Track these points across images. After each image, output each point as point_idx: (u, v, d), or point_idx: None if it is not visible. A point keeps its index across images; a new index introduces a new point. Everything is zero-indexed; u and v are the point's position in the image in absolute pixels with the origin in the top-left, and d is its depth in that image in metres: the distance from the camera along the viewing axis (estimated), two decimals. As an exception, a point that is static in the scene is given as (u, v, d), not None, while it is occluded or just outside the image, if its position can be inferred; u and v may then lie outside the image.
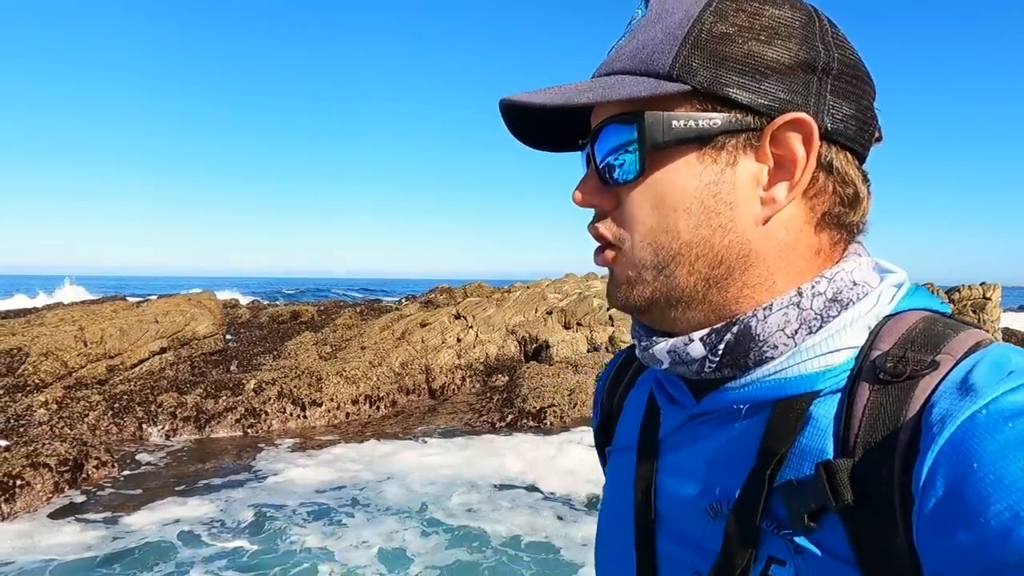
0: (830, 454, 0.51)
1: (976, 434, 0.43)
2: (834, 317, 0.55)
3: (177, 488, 7.08)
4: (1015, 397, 0.44)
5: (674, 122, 0.54)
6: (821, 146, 0.55)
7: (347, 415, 10.33)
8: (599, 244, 0.62)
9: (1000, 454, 0.41)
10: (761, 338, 0.56)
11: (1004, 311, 18.52)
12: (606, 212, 0.60)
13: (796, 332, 0.55)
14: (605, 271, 0.64)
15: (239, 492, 6.88)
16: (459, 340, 13.20)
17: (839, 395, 0.54)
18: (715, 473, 0.59)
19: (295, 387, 10.21)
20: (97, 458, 7.56)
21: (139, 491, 6.98)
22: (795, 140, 0.55)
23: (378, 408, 10.73)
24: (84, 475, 7.27)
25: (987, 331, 0.54)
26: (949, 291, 17.31)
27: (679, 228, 0.56)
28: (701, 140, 0.55)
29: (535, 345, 13.75)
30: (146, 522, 6.02)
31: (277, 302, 27.12)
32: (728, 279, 0.57)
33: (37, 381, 10.02)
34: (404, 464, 7.66)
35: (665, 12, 0.57)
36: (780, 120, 0.54)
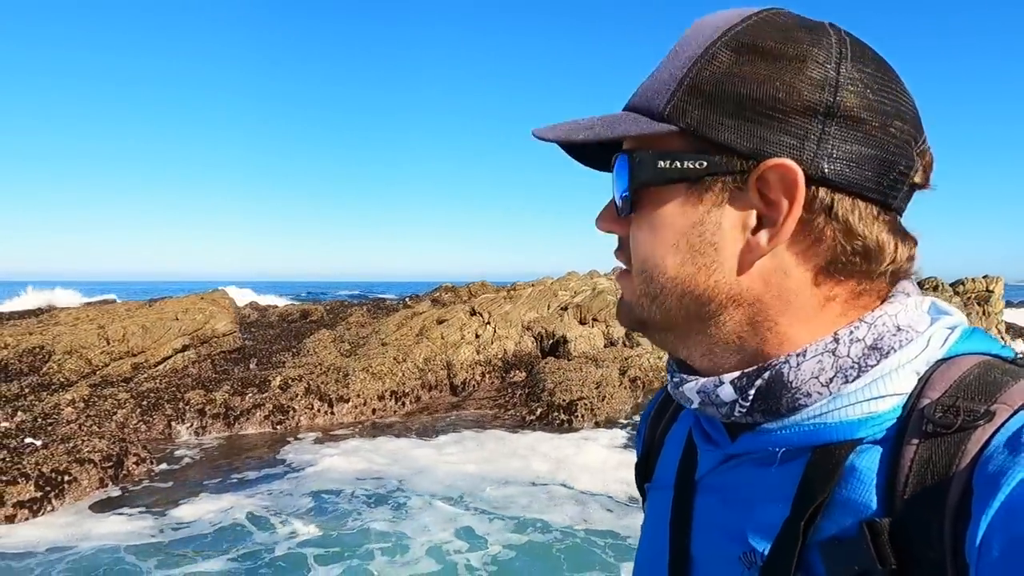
0: (874, 510, 0.48)
1: None
2: (872, 367, 0.52)
3: (216, 480, 7.07)
4: None
5: (660, 162, 0.55)
6: (817, 192, 0.52)
7: (373, 411, 10.34)
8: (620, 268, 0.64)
9: None
10: (794, 385, 0.53)
11: (1007, 306, 18.81)
12: (622, 239, 0.63)
13: (831, 380, 0.52)
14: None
15: (280, 484, 6.88)
16: (477, 336, 13.23)
17: (884, 446, 0.51)
18: (749, 519, 0.57)
19: (322, 383, 10.20)
20: (136, 454, 7.52)
21: (180, 484, 6.98)
22: (778, 186, 0.52)
23: (403, 404, 10.74)
24: (125, 471, 7.24)
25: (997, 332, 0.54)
26: (953, 284, 17.58)
27: (667, 264, 0.57)
28: (687, 180, 0.55)
29: (552, 341, 13.81)
30: (191, 513, 6.02)
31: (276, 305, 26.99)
32: (721, 315, 0.56)
33: (62, 380, 9.94)
34: (443, 459, 7.69)
35: (679, 52, 0.57)
36: (763, 166, 0.52)
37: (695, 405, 0.59)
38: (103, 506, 6.36)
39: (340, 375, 10.39)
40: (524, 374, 12.72)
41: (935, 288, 17.39)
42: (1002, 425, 0.45)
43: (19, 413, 9.07)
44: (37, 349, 10.53)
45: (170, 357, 10.95)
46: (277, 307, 20.74)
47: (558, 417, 9.60)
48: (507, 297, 15.32)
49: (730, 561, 0.57)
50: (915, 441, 0.48)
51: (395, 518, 5.85)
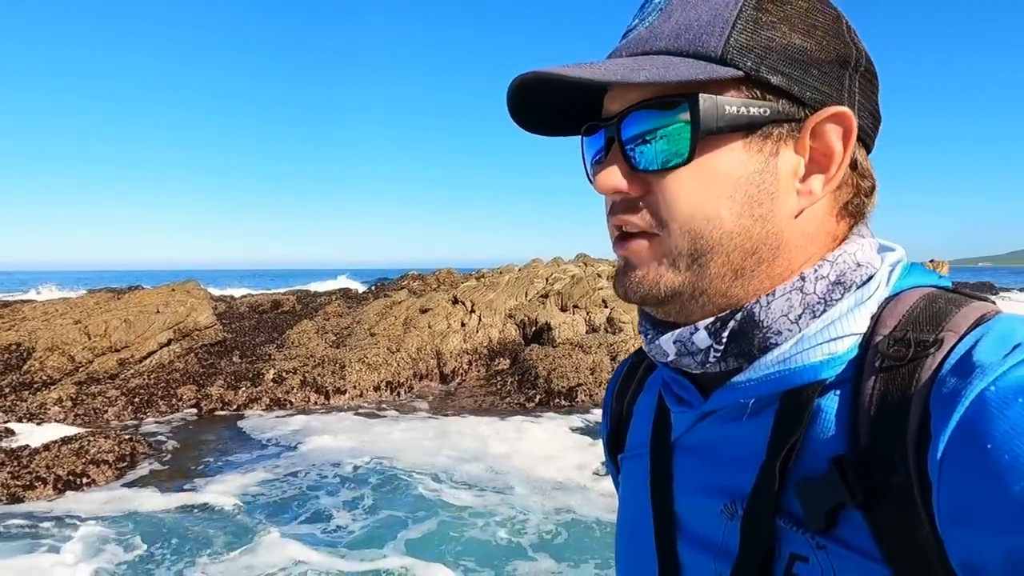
0: (842, 447, 0.50)
1: (986, 413, 0.42)
2: (838, 300, 0.55)
3: (225, 462, 6.97)
4: (1023, 371, 0.43)
5: (727, 107, 0.52)
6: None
7: (369, 402, 10.32)
8: (622, 233, 0.59)
9: (1012, 433, 0.40)
10: (764, 324, 0.55)
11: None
12: (632, 199, 0.57)
13: (800, 317, 0.54)
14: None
15: (285, 462, 6.84)
16: (463, 325, 13.30)
17: (845, 384, 0.52)
18: (727, 472, 0.58)
19: (318, 375, 10.11)
20: (144, 452, 7.33)
21: (192, 467, 6.83)
22: (834, 134, 0.55)
23: (399, 394, 10.75)
24: (135, 467, 7.06)
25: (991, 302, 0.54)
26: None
27: (722, 216, 0.54)
28: (750, 128, 0.53)
29: (535, 328, 13.99)
30: (209, 493, 5.92)
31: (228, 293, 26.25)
32: (755, 271, 0.56)
33: (45, 378, 9.52)
34: (484, 446, 7.78)
35: None
36: (824, 113, 0.54)
37: (671, 357, 0.59)
38: (123, 501, 6.20)
39: (336, 367, 10.31)
40: (509, 362, 12.87)
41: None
42: (951, 350, 0.48)
43: (0, 413, 8.67)
44: (14, 346, 10.04)
45: (155, 351, 10.62)
46: (243, 297, 20.20)
47: (559, 403, 9.81)
48: (488, 285, 15.41)
49: (713, 515, 0.58)
50: (873, 376, 0.50)
51: (424, 506, 5.94)
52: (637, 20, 0.59)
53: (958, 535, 0.42)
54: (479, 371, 12.67)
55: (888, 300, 0.56)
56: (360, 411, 9.46)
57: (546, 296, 15.31)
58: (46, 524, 5.45)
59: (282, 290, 23.52)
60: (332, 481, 6.57)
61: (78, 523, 5.47)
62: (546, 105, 0.61)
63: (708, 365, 0.57)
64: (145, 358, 10.47)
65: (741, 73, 0.52)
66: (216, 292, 22.88)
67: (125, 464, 6.88)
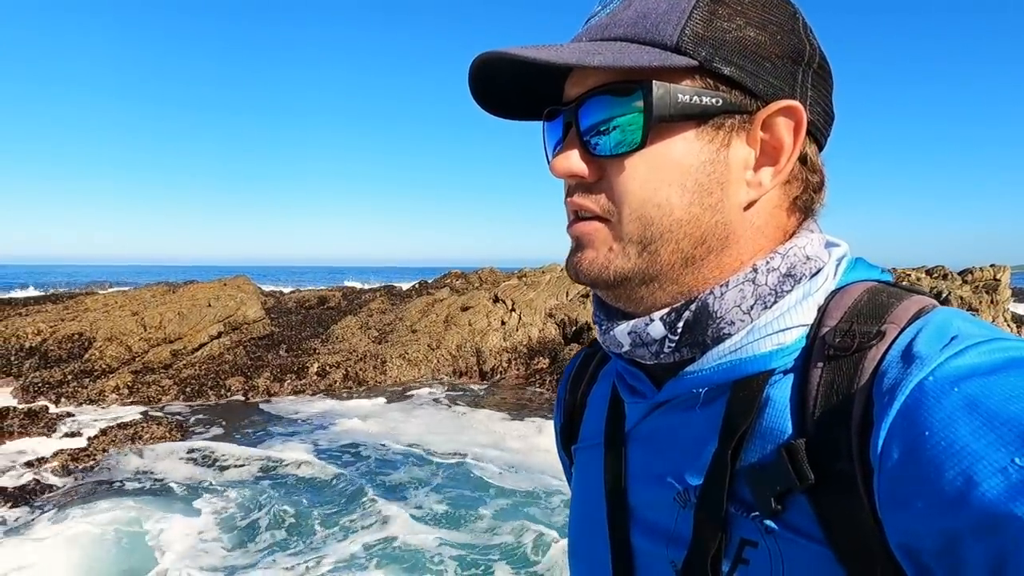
0: (790, 434, 0.52)
1: (924, 402, 0.44)
2: (788, 292, 0.56)
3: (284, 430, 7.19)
4: (959, 362, 0.45)
5: (680, 96, 0.53)
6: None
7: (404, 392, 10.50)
8: (576, 216, 0.59)
9: (949, 420, 0.42)
10: (718, 315, 0.56)
11: (1016, 289, 19.14)
12: (588, 183, 0.57)
13: (752, 308, 0.55)
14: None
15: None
16: (503, 323, 13.38)
17: (794, 374, 0.54)
18: (680, 461, 0.59)
19: (360, 369, 10.34)
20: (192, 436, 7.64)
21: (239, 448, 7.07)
22: (784, 127, 0.55)
23: (437, 390, 10.90)
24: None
25: (932, 297, 0.55)
26: (961, 273, 17.87)
27: (672, 204, 0.55)
28: (702, 117, 0.54)
29: (575, 328, 13.99)
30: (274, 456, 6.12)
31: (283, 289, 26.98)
32: (705, 260, 0.57)
33: (104, 366, 10.02)
34: (515, 439, 7.84)
35: None
36: (775, 106, 0.55)
37: (625, 348, 0.60)
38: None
39: (378, 361, 10.53)
40: (548, 361, 12.90)
41: (944, 276, 17.70)
42: (893, 342, 0.50)
43: (63, 400, 9.16)
44: (76, 336, 10.59)
45: (206, 343, 11.03)
46: (291, 292, 20.76)
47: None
48: (528, 284, 15.47)
49: (666, 503, 0.59)
50: (819, 365, 0.52)
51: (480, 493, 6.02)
52: (599, 7, 0.59)
53: (896, 518, 0.44)
54: (519, 369, 12.74)
55: (834, 293, 0.57)
56: (397, 399, 9.63)
57: (587, 296, 15.27)
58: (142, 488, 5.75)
59: (329, 286, 24.04)
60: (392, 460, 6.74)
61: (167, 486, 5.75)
62: (510, 88, 0.61)
63: (662, 356, 0.58)
64: (196, 349, 10.90)
65: (695, 62, 0.53)
66: (267, 288, 23.58)
67: (173, 437, 7.17)
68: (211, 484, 6.27)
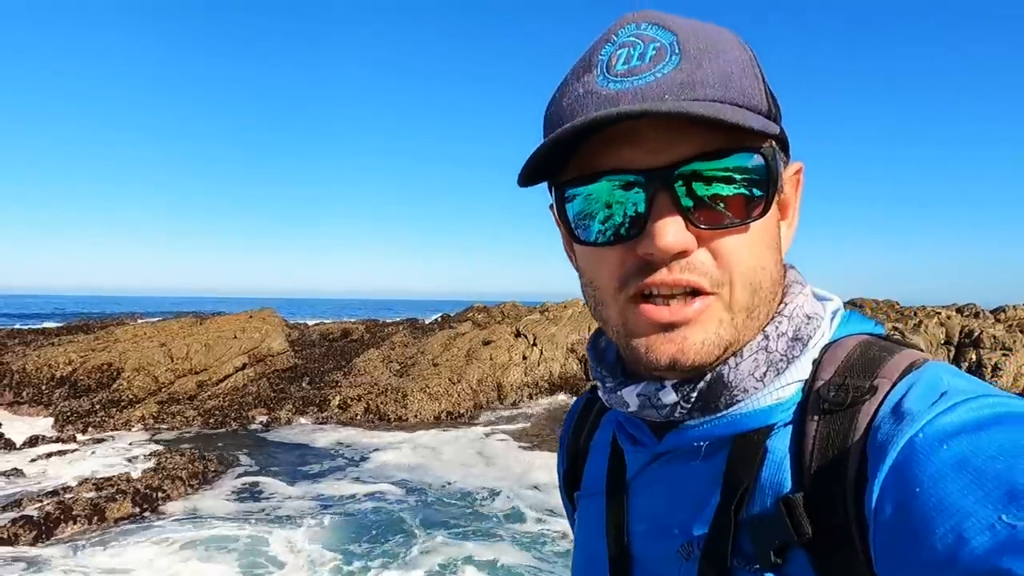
0: (788, 487, 0.52)
1: (915, 458, 0.45)
2: (797, 356, 0.56)
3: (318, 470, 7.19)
4: (948, 418, 0.46)
5: (781, 163, 0.56)
6: None
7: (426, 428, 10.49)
8: (678, 293, 0.54)
9: (939, 477, 0.43)
10: (733, 384, 0.56)
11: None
12: (684, 255, 0.53)
13: (765, 375, 0.56)
14: None
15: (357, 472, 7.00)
16: (525, 358, 13.37)
17: (791, 428, 0.55)
18: (683, 513, 0.59)
19: (381, 403, 10.37)
20: (214, 470, 7.69)
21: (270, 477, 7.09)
22: (790, 185, 0.59)
23: (457, 425, 10.88)
24: (206, 482, 7.41)
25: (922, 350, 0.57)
26: (994, 311, 17.46)
27: (770, 266, 0.56)
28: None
29: (596, 363, 13.91)
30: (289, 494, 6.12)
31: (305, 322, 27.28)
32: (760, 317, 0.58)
33: (131, 396, 10.19)
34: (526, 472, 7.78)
35: (714, 44, 0.53)
36: (794, 167, 0.59)
37: (632, 409, 0.60)
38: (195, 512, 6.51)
39: (399, 395, 10.55)
40: (570, 396, 12.82)
41: (975, 315, 17.30)
42: (885, 397, 0.51)
43: (91, 429, 9.32)
44: (105, 366, 10.81)
45: (231, 375, 11.18)
46: (315, 325, 20.99)
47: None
48: (550, 318, 15.46)
49: (669, 556, 0.59)
50: (816, 419, 0.53)
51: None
52: (639, 61, 0.53)
53: (892, 573, 0.45)
54: (539, 404, 12.68)
55: (828, 346, 0.58)
56: (422, 431, 9.63)
57: (609, 331, 15.21)
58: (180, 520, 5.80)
59: (352, 320, 24.26)
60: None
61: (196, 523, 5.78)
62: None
63: (672, 417, 0.58)
64: (221, 381, 11.04)
65: (778, 128, 0.55)
66: (292, 320, 23.88)
67: (198, 481, 7.23)
68: (260, 520, 6.28)
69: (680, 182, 0.52)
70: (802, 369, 0.57)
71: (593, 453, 0.76)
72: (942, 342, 15.38)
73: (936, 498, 0.42)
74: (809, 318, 0.59)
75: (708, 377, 0.56)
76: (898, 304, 18.63)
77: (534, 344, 13.83)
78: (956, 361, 15.00)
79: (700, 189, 0.52)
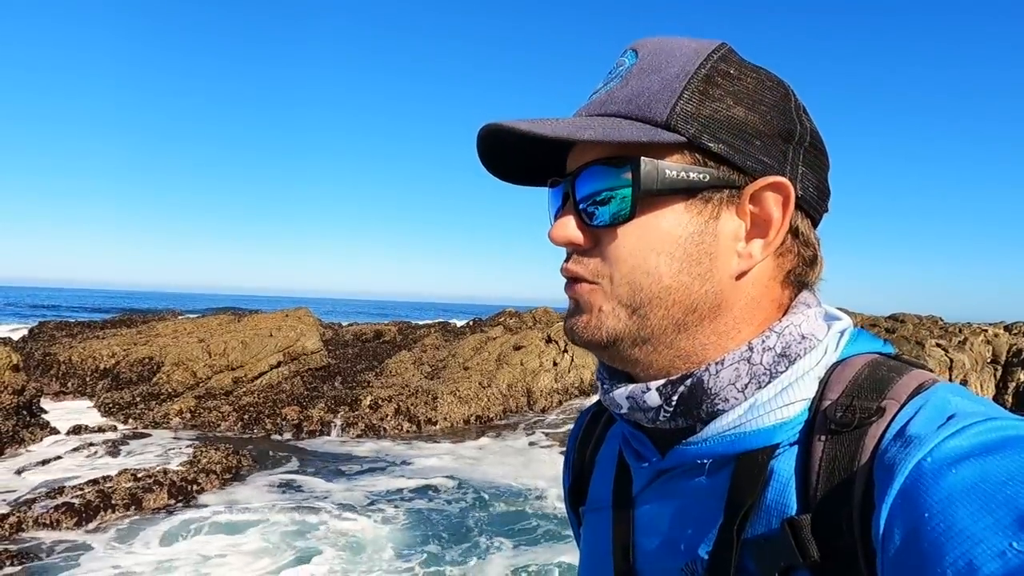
0: (793, 508, 0.52)
1: (923, 483, 0.44)
2: (782, 372, 0.57)
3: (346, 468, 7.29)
4: (956, 442, 0.45)
5: (668, 171, 0.56)
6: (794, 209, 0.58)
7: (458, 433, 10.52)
8: (571, 278, 0.62)
9: (948, 502, 0.42)
10: (713, 391, 0.57)
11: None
12: (582, 250, 0.61)
13: (747, 387, 0.57)
14: None
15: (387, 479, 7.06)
16: (555, 364, 13.34)
17: (797, 448, 0.55)
18: (686, 531, 0.59)
19: (412, 405, 10.45)
20: (248, 465, 7.84)
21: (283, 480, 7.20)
22: (773, 202, 0.58)
23: (486, 428, 10.89)
24: (239, 478, 7.56)
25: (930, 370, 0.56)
26: (1008, 327, 16.82)
27: (661, 272, 0.57)
28: (690, 191, 0.57)
29: (628, 371, 13.81)
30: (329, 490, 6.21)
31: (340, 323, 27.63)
32: (698, 326, 0.59)
33: (170, 390, 10.46)
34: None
35: (660, 63, 0.59)
36: (763, 181, 0.57)
37: (623, 411, 0.62)
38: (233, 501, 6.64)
39: (429, 397, 10.62)
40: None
41: (997, 335, 16.66)
42: (892, 419, 0.50)
43: (131, 420, 9.59)
44: (146, 360, 11.12)
45: (266, 372, 11.38)
46: (349, 325, 21.27)
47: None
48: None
49: (673, 573, 0.60)
50: (822, 440, 0.53)
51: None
52: (601, 84, 0.63)
53: None
54: (570, 411, 12.63)
55: (835, 365, 0.58)
56: (453, 436, 9.66)
57: (641, 340, 15.09)
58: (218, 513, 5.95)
59: (385, 321, 24.53)
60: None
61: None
62: (519, 156, 0.65)
63: (659, 422, 0.60)
64: (256, 378, 11.25)
65: (683, 139, 0.56)
66: (326, 320, 24.24)
67: (230, 476, 7.38)
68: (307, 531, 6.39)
69: (577, 185, 0.60)
70: (806, 387, 0.56)
71: (599, 467, 0.77)
72: (988, 361, 14.84)
73: (945, 524, 0.42)
74: (804, 338, 0.59)
75: (688, 382, 0.58)
76: (942, 320, 18.04)
77: (565, 351, 13.78)
78: (1003, 381, 14.46)
79: (584, 192, 0.59)
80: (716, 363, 0.58)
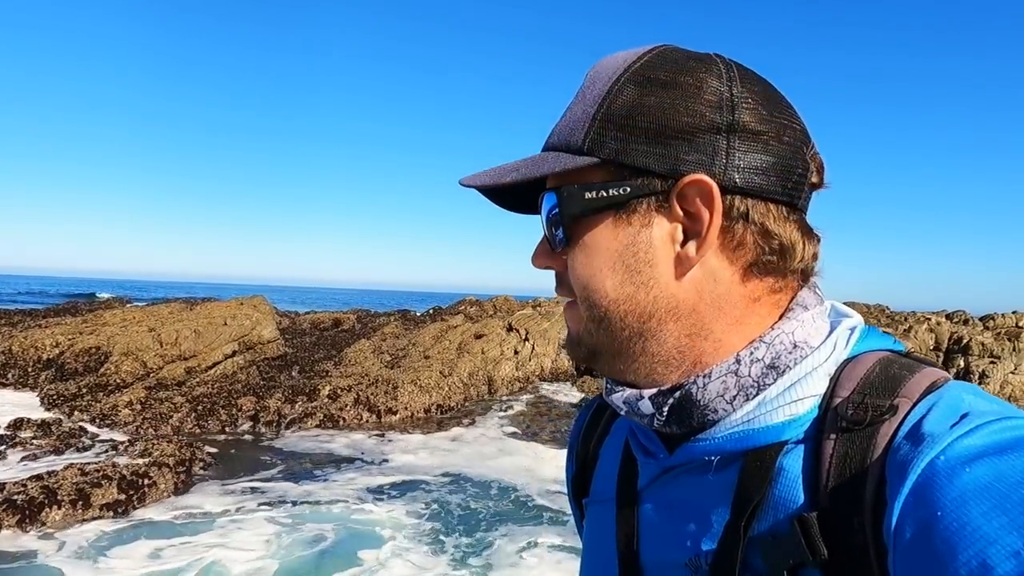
0: (802, 505, 0.52)
1: (936, 482, 0.44)
2: (769, 385, 0.56)
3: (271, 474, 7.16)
4: (969, 441, 0.45)
5: (587, 193, 0.58)
6: (733, 200, 0.57)
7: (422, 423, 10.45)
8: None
9: (961, 501, 0.42)
10: (701, 403, 0.57)
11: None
12: (559, 273, 0.65)
13: (735, 399, 0.57)
14: None
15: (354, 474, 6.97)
16: (516, 352, 13.36)
17: (806, 445, 0.55)
18: (692, 526, 0.60)
19: (371, 394, 10.32)
20: (202, 459, 7.63)
21: (240, 479, 7.04)
22: (698, 200, 0.57)
23: (448, 417, 10.85)
24: (194, 473, 7.35)
25: (942, 369, 0.57)
26: (983, 319, 17.60)
27: (606, 287, 0.59)
28: (614, 207, 0.58)
29: (588, 360, 13.92)
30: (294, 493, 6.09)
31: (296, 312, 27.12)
32: (661, 331, 0.59)
33: (118, 381, 10.09)
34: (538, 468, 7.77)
35: (588, 89, 0.61)
36: (681, 183, 0.56)
37: (622, 412, 0.63)
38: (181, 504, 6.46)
39: (389, 387, 10.51)
40: (562, 384, 12.80)
41: (965, 321, 17.43)
42: (905, 417, 0.50)
43: (76, 412, 9.22)
44: (93, 349, 10.70)
45: (220, 362, 11.09)
46: (306, 314, 20.89)
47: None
48: (543, 314, 15.45)
49: (677, 568, 0.60)
50: (832, 437, 0.53)
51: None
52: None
53: None
54: (530, 399, 12.67)
55: (846, 362, 0.58)
56: (409, 429, 9.59)
57: (601, 328, 15.23)
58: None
59: (344, 310, 24.17)
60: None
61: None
62: (510, 192, 0.68)
63: (655, 426, 0.61)
64: (210, 368, 10.95)
65: (597, 159, 0.58)
66: (282, 308, 23.74)
67: (184, 469, 7.17)
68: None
69: (541, 214, 0.64)
70: (816, 383, 0.56)
71: (603, 459, 0.77)
72: (931, 348, 15.49)
73: (958, 523, 0.42)
74: (796, 346, 0.58)
75: (677, 394, 0.58)
76: (888, 309, 18.72)
77: (526, 339, 13.82)
78: (945, 366, 15.08)
79: (543, 220, 0.64)
80: (704, 375, 0.58)
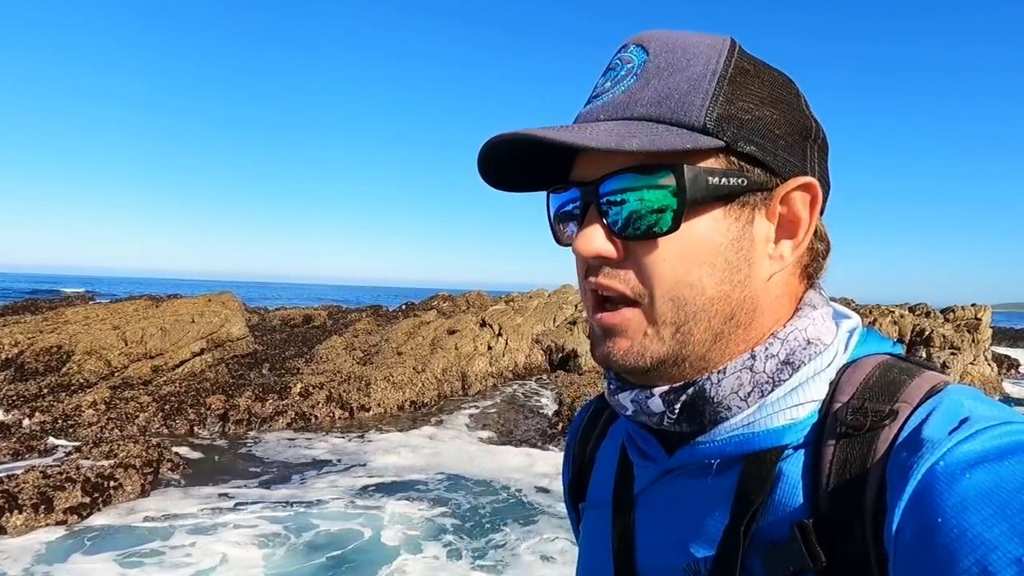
0: (802, 511, 0.52)
1: (936, 487, 0.44)
2: (785, 380, 0.56)
3: (264, 477, 7.05)
4: (969, 446, 0.45)
5: (710, 178, 0.54)
6: None
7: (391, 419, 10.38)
8: (602, 298, 0.58)
9: (961, 507, 0.42)
10: (715, 400, 0.56)
11: (995, 328, 19.38)
12: (613, 262, 0.57)
13: (749, 395, 0.56)
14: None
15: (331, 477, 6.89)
16: (490, 348, 13.34)
17: (806, 449, 0.54)
18: (691, 531, 0.59)
19: (344, 391, 10.21)
20: (170, 459, 7.47)
21: (212, 482, 6.92)
22: (801, 202, 0.57)
23: (422, 414, 10.80)
24: (161, 475, 7.20)
25: (945, 372, 0.57)
26: (944, 311, 18.09)
27: (704, 283, 0.55)
28: (729, 197, 0.55)
29: (561, 354, 13.96)
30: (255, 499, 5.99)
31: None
32: (733, 335, 0.57)
33: (82, 380, 9.82)
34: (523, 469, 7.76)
35: (679, 61, 0.56)
36: (794, 183, 0.56)
37: (629, 412, 0.61)
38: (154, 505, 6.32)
39: (362, 384, 10.41)
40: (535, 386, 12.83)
41: (926, 314, 17.90)
42: (904, 423, 0.50)
43: (37, 414, 8.95)
44: (55, 348, 10.39)
45: (188, 360, 10.87)
46: (276, 310, 20.58)
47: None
48: (516, 309, 15.45)
49: (675, 573, 0.59)
50: (832, 443, 0.52)
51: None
52: (609, 83, 0.59)
53: None
54: (505, 396, 12.67)
55: (846, 367, 0.58)
56: (384, 427, 9.52)
57: (574, 323, 15.28)
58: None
59: (315, 306, 23.85)
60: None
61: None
62: (509, 162, 0.61)
63: (664, 426, 0.59)
64: (178, 366, 10.72)
65: (722, 143, 0.54)
66: (252, 305, 23.36)
67: (151, 470, 7.01)
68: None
69: (604, 194, 0.56)
70: (816, 389, 0.56)
71: (600, 463, 0.76)
72: (896, 340, 15.86)
73: (959, 529, 0.42)
74: (809, 343, 0.58)
75: (691, 391, 0.57)
76: (854, 301, 19.13)
77: (499, 334, 13.81)
78: (907, 359, 15.47)
79: (616, 201, 0.55)
80: (718, 372, 0.57)
